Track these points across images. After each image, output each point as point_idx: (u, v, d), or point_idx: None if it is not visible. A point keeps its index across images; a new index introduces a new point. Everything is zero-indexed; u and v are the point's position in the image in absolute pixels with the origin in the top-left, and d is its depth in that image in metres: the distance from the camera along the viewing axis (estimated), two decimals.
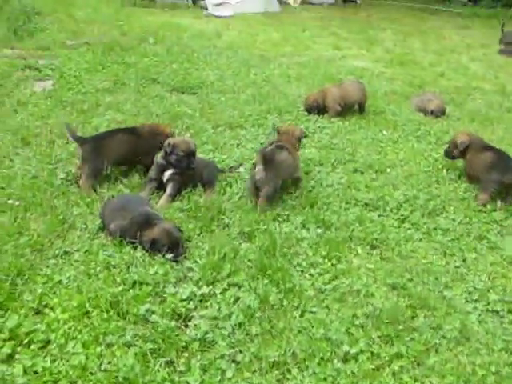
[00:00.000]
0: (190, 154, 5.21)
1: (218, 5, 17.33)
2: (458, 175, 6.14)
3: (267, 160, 4.99)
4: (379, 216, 5.12)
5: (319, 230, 4.69)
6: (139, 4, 17.12)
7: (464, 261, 4.57)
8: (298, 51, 12.19)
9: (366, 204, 5.28)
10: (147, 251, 4.18)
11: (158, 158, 5.37)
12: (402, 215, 5.17)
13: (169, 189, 5.18)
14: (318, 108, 7.62)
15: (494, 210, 5.43)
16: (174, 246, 4.17)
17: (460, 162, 6.28)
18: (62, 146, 6.06)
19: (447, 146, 6.34)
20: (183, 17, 15.64)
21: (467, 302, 4.04)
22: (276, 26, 15.27)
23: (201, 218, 4.72)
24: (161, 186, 5.26)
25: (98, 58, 9.71)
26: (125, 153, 5.49)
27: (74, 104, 7.39)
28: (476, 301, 4.08)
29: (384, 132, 7.24)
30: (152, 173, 5.31)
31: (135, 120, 6.95)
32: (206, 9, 17.02)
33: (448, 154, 6.27)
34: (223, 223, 4.71)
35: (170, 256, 4.10)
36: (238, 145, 6.44)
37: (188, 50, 11.01)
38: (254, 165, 5.13)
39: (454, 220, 5.18)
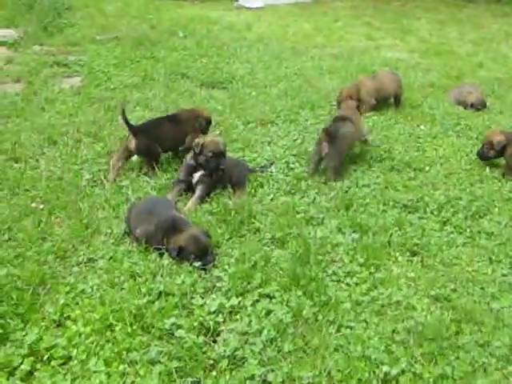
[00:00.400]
0: (219, 154, 5.00)
1: None
2: (503, 173, 5.79)
3: (331, 136, 5.41)
4: (419, 219, 4.83)
5: (355, 235, 4.42)
6: None
7: None
8: (330, 42, 11.86)
9: (405, 205, 4.98)
10: (174, 259, 3.99)
11: (188, 158, 5.18)
12: (443, 217, 4.86)
13: (198, 191, 4.99)
14: None
15: None
16: (202, 253, 3.96)
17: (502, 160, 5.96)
18: (89, 146, 5.93)
19: (481, 146, 6.02)
20: (213, 9, 15.41)
21: None
22: (307, 16, 14.93)
23: (230, 222, 4.50)
24: (189, 188, 5.06)
25: (127, 53, 9.59)
26: (171, 139, 5.72)
27: (102, 101, 7.26)
28: None
29: (422, 127, 6.92)
30: (181, 174, 5.13)
31: None
32: (237, 0, 16.76)
33: (483, 155, 6.01)
34: (254, 228, 4.48)
35: (198, 264, 3.90)
36: (269, 142, 6.20)
37: (218, 43, 10.81)
38: (320, 140, 5.49)
39: (499, 223, 4.85)
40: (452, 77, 9.33)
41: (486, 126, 7.03)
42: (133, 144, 5.40)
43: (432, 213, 4.93)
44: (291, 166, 5.61)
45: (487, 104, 7.79)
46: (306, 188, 5.17)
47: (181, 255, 3.95)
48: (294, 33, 12.66)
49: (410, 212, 4.92)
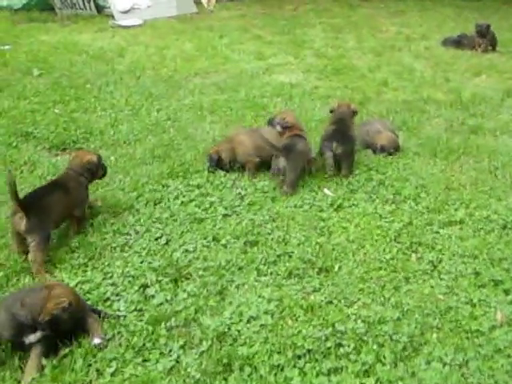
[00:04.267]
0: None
1: (126, 11, 15.23)
2: (432, 262, 4.40)
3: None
4: (330, 374, 3.30)
5: None
6: (37, 18, 14.86)
7: None
8: (214, 66, 10.27)
9: (309, 351, 3.44)
10: None
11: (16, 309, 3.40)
12: (364, 364, 3.35)
13: (36, 350, 3.30)
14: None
15: (494, 327, 3.74)
16: None
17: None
18: None
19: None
20: (85, 31, 13.50)
21: None
22: (190, 32, 13.30)
23: None
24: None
25: None
26: None
27: None
28: None
29: (326, 191, 5.44)
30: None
31: None
32: (113, 19, 14.89)
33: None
34: None
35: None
36: (122, 248, 4.50)
37: (80, 82, 9.00)
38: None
39: (442, 361, 3.40)
40: (356, 103, 7.92)
41: (403, 180, 5.66)
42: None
43: (348, 357, 3.42)
44: (149, 292, 3.96)
45: (400, 143, 6.41)
46: (167, 339, 3.53)
47: None
48: (174, 56, 10.99)
49: (316, 361, 3.39)
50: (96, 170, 4.91)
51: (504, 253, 4.53)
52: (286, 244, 4.56)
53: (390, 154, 6.20)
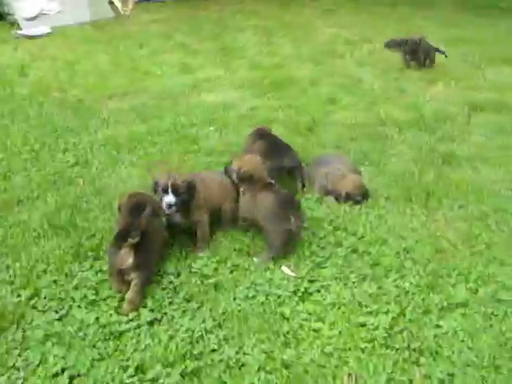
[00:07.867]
0: None
1: (33, 18, 13.51)
2: (442, 381, 3.18)
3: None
4: None
5: None
6: None
7: None
8: (132, 84, 8.80)
9: None
10: None
11: None
12: None
13: None
14: None
15: None
16: None
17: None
18: None
19: None
20: None
21: None
22: (105, 42, 11.75)
23: None
24: None
25: None
26: None
27: None
28: None
29: (284, 268, 4.13)
30: None
31: None
32: (18, 25, 13.17)
33: None
34: None
35: None
36: None
37: None
38: None
39: None
40: (302, 130, 6.68)
41: (380, 241, 4.43)
42: None
43: None
44: None
45: (367, 188, 5.17)
46: None
47: None
48: (85, 73, 9.47)
49: None
50: None
51: None
52: (240, 369, 3.23)
53: (358, 203, 4.98)
